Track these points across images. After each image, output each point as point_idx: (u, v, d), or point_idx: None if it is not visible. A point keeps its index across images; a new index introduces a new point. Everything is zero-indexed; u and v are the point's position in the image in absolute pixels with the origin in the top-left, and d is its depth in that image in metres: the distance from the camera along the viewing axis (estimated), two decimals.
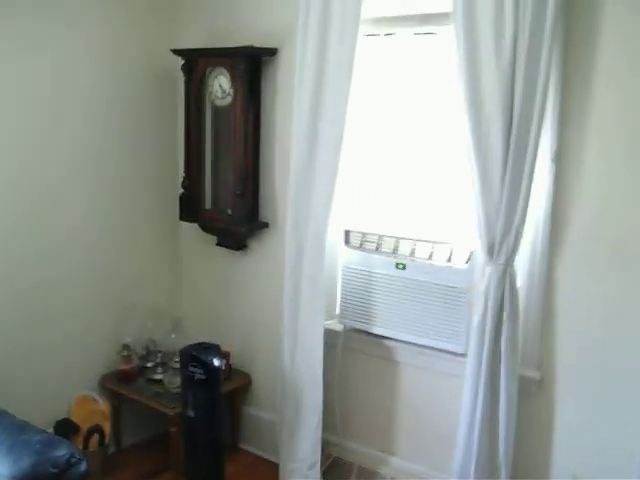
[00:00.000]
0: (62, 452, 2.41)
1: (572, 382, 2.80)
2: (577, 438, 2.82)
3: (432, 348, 3.08)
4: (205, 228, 3.71)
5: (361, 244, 3.19)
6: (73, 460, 2.42)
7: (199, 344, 3.21)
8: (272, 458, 3.57)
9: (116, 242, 3.65)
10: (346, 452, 3.44)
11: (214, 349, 3.18)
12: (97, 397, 3.51)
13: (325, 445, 3.29)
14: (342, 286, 3.32)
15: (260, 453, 3.72)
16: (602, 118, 2.60)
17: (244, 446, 3.80)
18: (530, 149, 2.57)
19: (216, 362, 3.08)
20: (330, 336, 3.27)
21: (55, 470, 2.36)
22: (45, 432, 2.58)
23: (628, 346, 2.66)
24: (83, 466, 2.46)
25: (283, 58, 3.33)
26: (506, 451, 2.82)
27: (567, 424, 2.84)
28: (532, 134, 2.56)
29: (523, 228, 2.67)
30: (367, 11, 2.94)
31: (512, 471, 2.85)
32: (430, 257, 3.00)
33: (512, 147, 2.59)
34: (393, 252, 3.10)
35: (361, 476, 3.36)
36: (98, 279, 3.58)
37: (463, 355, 2.94)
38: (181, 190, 3.67)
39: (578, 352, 2.77)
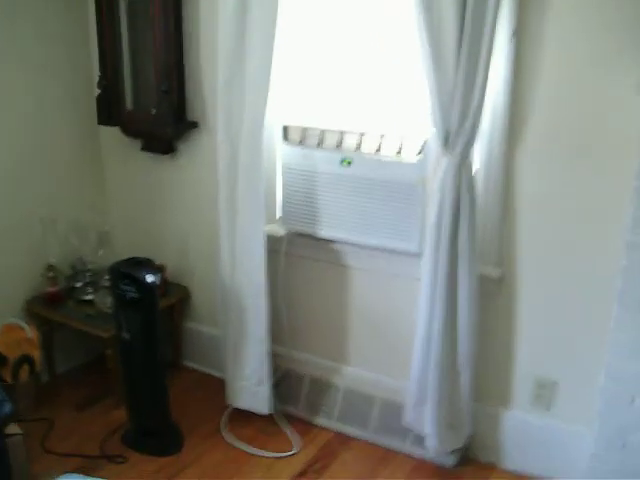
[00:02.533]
0: None
1: (533, 279, 2.64)
2: (540, 339, 2.69)
3: (383, 249, 2.85)
4: (127, 132, 3.35)
5: (301, 140, 2.89)
6: None
7: (129, 259, 2.91)
8: (217, 374, 3.37)
9: (27, 153, 3.27)
10: (296, 364, 3.25)
11: (147, 264, 2.90)
12: (23, 324, 3.21)
13: (274, 358, 3.07)
14: (282, 187, 3.03)
15: (204, 369, 3.53)
16: None
17: (187, 363, 3.60)
18: (488, 21, 2.27)
19: (149, 278, 2.80)
20: (272, 242, 3.00)
21: None
22: None
23: (591, 243, 2.50)
24: (7, 407, 2.21)
25: None
26: (467, 354, 2.67)
27: (529, 324, 2.70)
28: (490, 6, 2.26)
29: (481, 113, 2.41)
30: None
31: (473, 375, 2.70)
32: (378, 151, 2.73)
33: (467, 20, 2.28)
34: (337, 147, 2.82)
35: (314, 388, 3.19)
36: (10, 194, 3.22)
37: (417, 255, 2.73)
38: (98, 91, 3.28)
39: (540, 249, 2.60)
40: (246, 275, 2.96)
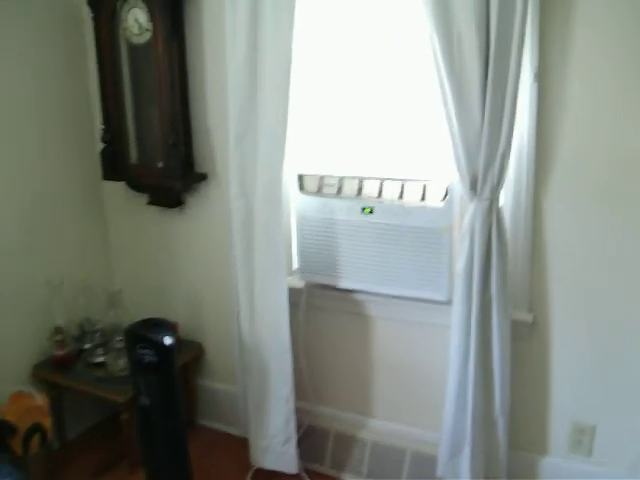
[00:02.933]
0: None
1: (566, 322, 2.57)
2: (575, 381, 2.61)
3: (409, 298, 2.76)
4: (133, 186, 3.25)
5: (319, 189, 2.81)
6: None
7: (144, 321, 2.79)
8: (236, 432, 3.26)
9: (30, 214, 3.14)
10: (320, 418, 3.14)
11: (162, 325, 2.78)
12: (32, 391, 3.08)
13: (296, 413, 2.96)
14: (299, 238, 2.93)
15: (222, 428, 3.40)
16: (585, 27, 2.27)
17: (203, 422, 3.46)
18: (512, 66, 2.22)
19: (167, 341, 2.67)
20: (290, 294, 2.87)
21: None
22: None
23: (623, 282, 2.43)
24: None
25: None
26: (502, 402, 2.57)
27: (564, 367, 2.62)
28: (514, 50, 2.20)
29: (509, 157, 2.34)
30: None
31: (509, 422, 2.61)
32: (401, 197, 2.66)
33: (491, 66, 2.23)
34: (357, 195, 2.74)
35: (340, 443, 3.07)
36: (14, 257, 3.09)
37: (445, 303, 2.64)
38: (102, 145, 3.19)
39: (571, 291, 2.53)
40: (268, 331, 2.85)
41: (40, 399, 3.07)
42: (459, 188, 2.48)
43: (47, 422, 3.04)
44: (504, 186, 2.43)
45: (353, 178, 2.74)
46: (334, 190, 2.78)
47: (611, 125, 2.31)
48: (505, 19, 2.18)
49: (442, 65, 2.30)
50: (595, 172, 2.38)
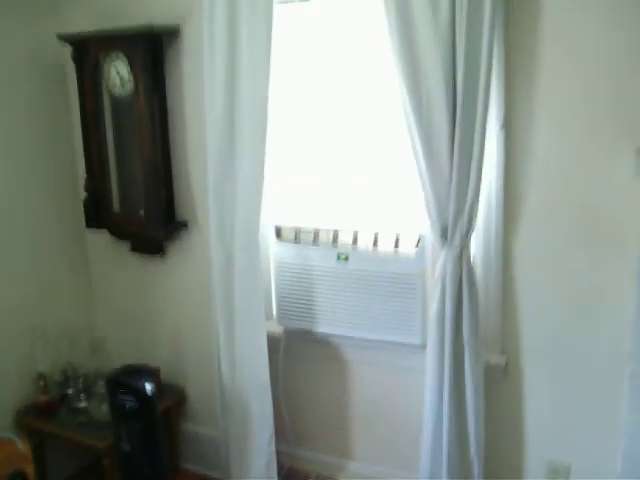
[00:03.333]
0: None
1: (539, 365, 2.64)
2: (550, 420, 2.66)
3: (384, 342, 2.83)
4: (116, 234, 3.32)
5: (295, 237, 2.89)
6: None
7: (126, 367, 2.86)
8: (218, 475, 3.27)
9: (15, 259, 3.20)
10: (300, 461, 3.19)
11: (144, 371, 2.85)
12: (15, 438, 3.09)
13: (277, 455, 3.00)
14: (276, 285, 3.01)
15: (204, 471, 3.41)
16: (550, 77, 2.38)
17: (185, 465, 3.48)
18: (479, 120, 2.32)
19: (148, 387, 2.74)
20: (269, 340, 2.94)
21: None
22: None
23: (590, 323, 2.50)
24: None
25: (188, 36, 2.94)
26: (477, 445, 2.62)
27: (537, 408, 2.68)
28: (479, 105, 2.31)
29: (477, 205, 2.43)
30: None
31: (485, 465, 2.66)
32: (375, 244, 2.74)
33: (458, 121, 2.34)
34: (333, 243, 2.82)
35: None
36: None
37: (420, 347, 2.71)
38: (84, 194, 3.26)
39: (543, 334, 2.60)
40: (248, 375, 2.91)
41: (22, 446, 3.08)
42: (431, 236, 2.56)
43: (29, 469, 3.05)
44: (475, 233, 2.53)
45: (328, 230, 2.83)
46: (310, 238, 2.85)
47: (577, 173, 2.41)
48: (471, 77, 2.29)
49: (412, 120, 2.41)
50: (562, 218, 2.46)
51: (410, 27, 2.35)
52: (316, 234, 2.85)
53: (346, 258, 2.79)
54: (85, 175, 3.26)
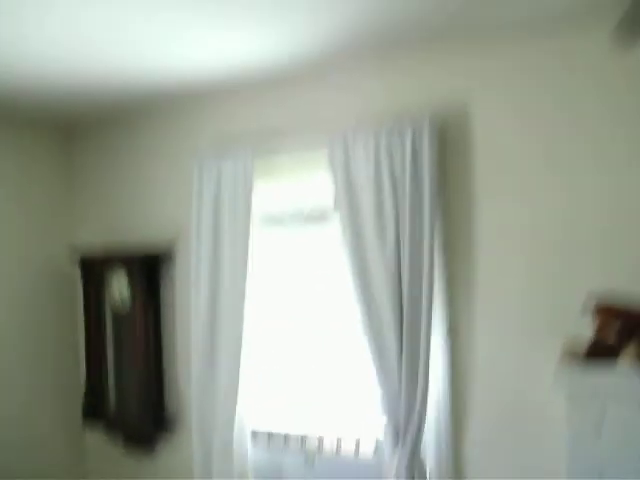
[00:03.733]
0: None
1: None
2: None
3: None
4: (111, 431, 3.58)
5: (268, 442, 3.11)
6: None
7: None
8: None
9: (15, 459, 3.42)
10: None
11: None
12: None
13: None
14: None
15: None
16: (486, 284, 2.68)
17: None
18: (423, 327, 2.60)
19: None
20: None
21: None
22: None
23: None
24: None
25: (180, 257, 3.37)
26: None
27: None
28: (423, 316, 2.60)
29: (426, 409, 2.62)
30: (257, 209, 3.04)
31: None
32: (339, 448, 2.93)
33: (405, 328, 2.62)
34: (301, 446, 3.02)
35: None
36: None
37: None
38: (83, 396, 3.61)
39: None
40: None
41: None
42: (386, 441, 2.73)
43: None
44: (426, 434, 2.68)
45: (296, 436, 3.05)
46: (281, 443, 3.08)
47: (510, 370, 2.63)
48: (415, 291, 2.62)
49: (365, 331, 2.71)
50: (505, 415, 2.64)
51: (360, 248, 2.73)
52: (286, 439, 3.06)
53: (312, 462, 2.97)
54: (85, 377, 3.60)
